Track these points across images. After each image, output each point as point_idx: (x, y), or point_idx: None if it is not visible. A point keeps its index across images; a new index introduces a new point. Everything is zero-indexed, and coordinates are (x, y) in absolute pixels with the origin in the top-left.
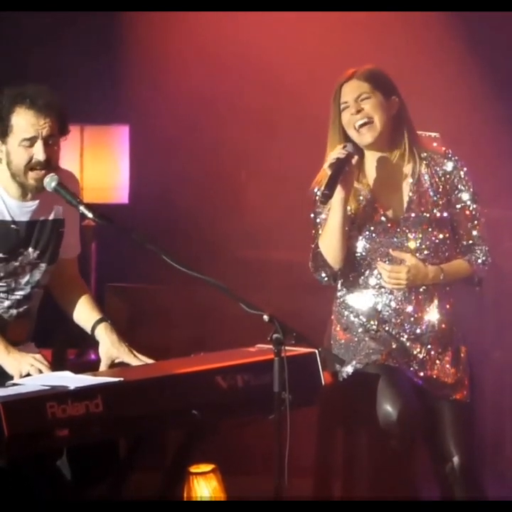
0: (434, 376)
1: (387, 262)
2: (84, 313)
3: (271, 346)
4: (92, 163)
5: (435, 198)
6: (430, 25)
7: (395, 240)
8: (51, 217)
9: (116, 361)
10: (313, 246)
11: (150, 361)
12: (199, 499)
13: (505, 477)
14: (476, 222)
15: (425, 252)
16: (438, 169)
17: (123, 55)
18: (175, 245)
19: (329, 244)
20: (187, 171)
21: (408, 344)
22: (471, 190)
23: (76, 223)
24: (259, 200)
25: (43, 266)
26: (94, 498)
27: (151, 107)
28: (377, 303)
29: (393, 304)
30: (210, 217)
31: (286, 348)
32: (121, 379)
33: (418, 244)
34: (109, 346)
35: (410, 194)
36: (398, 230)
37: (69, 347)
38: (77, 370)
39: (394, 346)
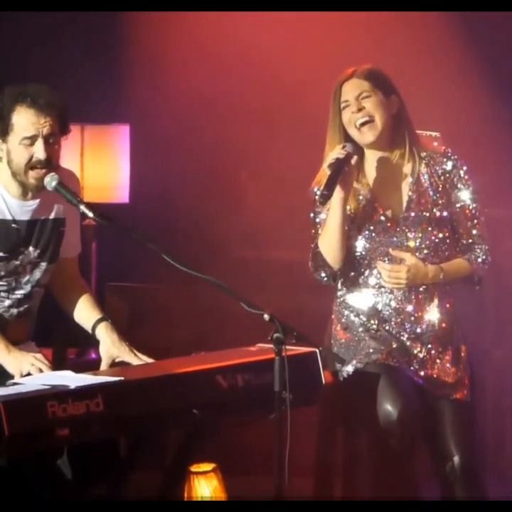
0: (435, 375)
1: (386, 262)
2: (85, 313)
3: (271, 346)
4: (93, 163)
5: (435, 198)
6: (430, 25)
7: (395, 239)
8: (52, 216)
9: (117, 360)
10: (312, 246)
11: (150, 360)
12: (200, 499)
13: (505, 477)
14: (475, 221)
15: (425, 251)
16: (438, 168)
17: (123, 54)
18: (175, 245)
19: (329, 244)
20: (187, 171)
21: (408, 343)
22: (471, 189)
23: (77, 222)
24: (259, 200)
25: (43, 265)
26: (94, 498)
27: (151, 107)
28: (377, 302)
29: (393, 304)
30: (210, 217)
31: (287, 347)
32: (122, 378)
33: (418, 244)
34: (110, 345)
35: (410, 193)
36: (398, 229)
37: (69, 346)
38: (78, 369)
39: (394, 346)
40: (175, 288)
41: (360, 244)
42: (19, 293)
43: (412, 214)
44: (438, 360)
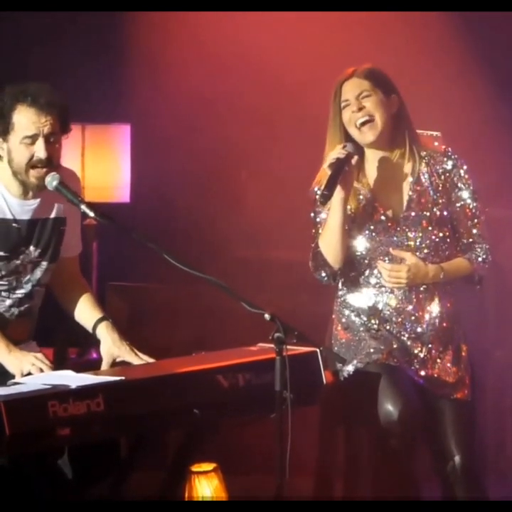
0: (435, 375)
1: (387, 261)
2: (86, 312)
3: (272, 345)
4: (94, 162)
5: (435, 197)
6: (430, 25)
7: (395, 238)
8: (52, 215)
9: (118, 360)
10: (313, 245)
11: (151, 360)
12: (200, 498)
13: (506, 477)
14: (476, 220)
15: (425, 250)
16: (438, 168)
17: (123, 54)
18: (175, 244)
19: (329, 244)
20: (187, 171)
21: (409, 343)
22: (471, 188)
23: (77, 222)
24: (259, 200)
25: (44, 264)
26: (95, 498)
27: (151, 107)
28: (377, 302)
29: (394, 303)
30: (210, 217)
31: (288, 347)
32: (123, 378)
33: (418, 243)
34: (111, 345)
35: (410, 193)
36: (398, 228)
37: (70, 346)
38: (79, 369)
39: (395, 345)
40: (175, 288)
41: (361, 244)
42: (20, 292)
43: (413, 213)
44: (438, 360)
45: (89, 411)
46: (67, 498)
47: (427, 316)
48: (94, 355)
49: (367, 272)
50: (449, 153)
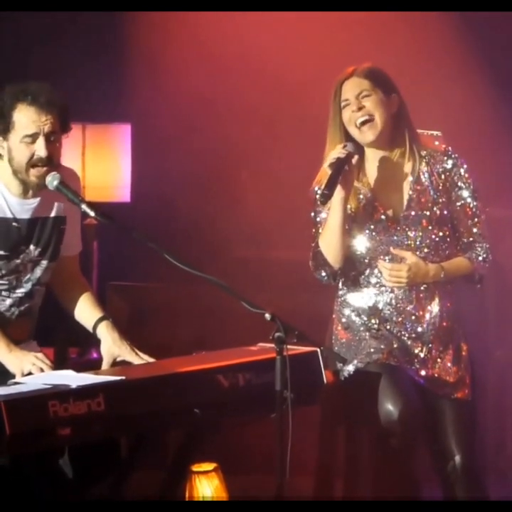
0: (436, 375)
1: (387, 261)
2: (86, 311)
3: (272, 345)
4: (94, 162)
5: (435, 196)
6: (430, 25)
7: (395, 238)
8: (52, 214)
9: (118, 360)
10: (313, 245)
11: (151, 360)
12: (201, 498)
13: (506, 476)
14: (476, 219)
15: (425, 250)
16: (438, 167)
17: (124, 54)
18: (175, 244)
19: (329, 243)
20: (188, 170)
21: (409, 343)
22: (472, 187)
23: (77, 221)
24: (259, 200)
25: (44, 263)
26: (95, 497)
27: (152, 106)
28: (378, 301)
29: (394, 303)
30: (210, 217)
31: (288, 346)
32: (123, 378)
33: (418, 243)
34: (111, 344)
35: (410, 192)
36: (398, 228)
37: (71, 346)
38: (79, 368)
39: (395, 345)
40: (176, 287)
41: (361, 244)
42: (20, 292)
43: (413, 213)
44: (439, 360)
45: (89, 411)
46: (68, 498)
47: (427, 316)
48: (95, 355)
49: (367, 272)
50: (449, 153)
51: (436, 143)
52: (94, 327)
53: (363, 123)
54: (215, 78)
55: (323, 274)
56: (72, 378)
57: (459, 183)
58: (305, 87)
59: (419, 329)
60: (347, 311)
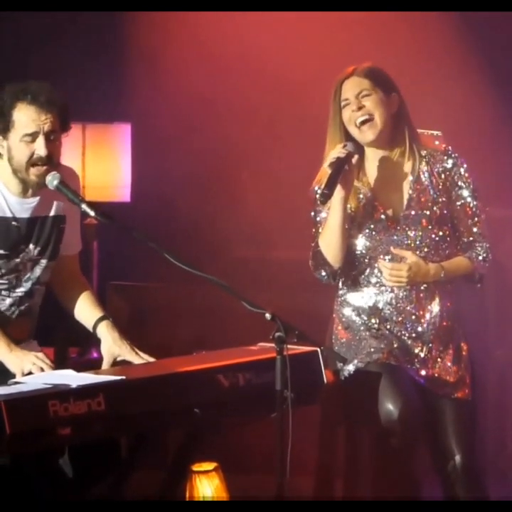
0: (436, 374)
1: (387, 260)
2: (86, 311)
3: (273, 345)
4: (94, 162)
5: (435, 196)
6: (430, 24)
7: (395, 237)
8: (52, 213)
9: (118, 359)
10: (313, 244)
11: (152, 359)
12: (201, 498)
13: (507, 476)
14: (476, 219)
15: (425, 249)
16: (438, 166)
17: (124, 54)
18: (176, 244)
19: (329, 243)
20: (188, 170)
21: (409, 342)
22: (472, 187)
23: (77, 220)
24: (259, 200)
25: (43, 262)
26: (95, 497)
27: (152, 106)
28: (378, 301)
29: (394, 302)
30: (211, 217)
31: (288, 346)
32: (123, 377)
33: (418, 242)
34: (111, 344)
35: (410, 192)
36: (398, 227)
37: (71, 345)
38: (79, 368)
39: (395, 345)
40: (176, 287)
41: (361, 243)
42: (20, 291)
43: (413, 212)
44: (439, 359)
45: (89, 410)
46: (68, 497)
47: (427, 315)
48: (95, 355)
49: (367, 271)
50: (450, 152)
51: (437, 142)
52: (94, 326)
53: (363, 122)
54: (215, 78)
55: (323, 273)
56: (72, 378)
57: (459, 183)
58: (305, 87)
59: (420, 329)
60: (347, 311)
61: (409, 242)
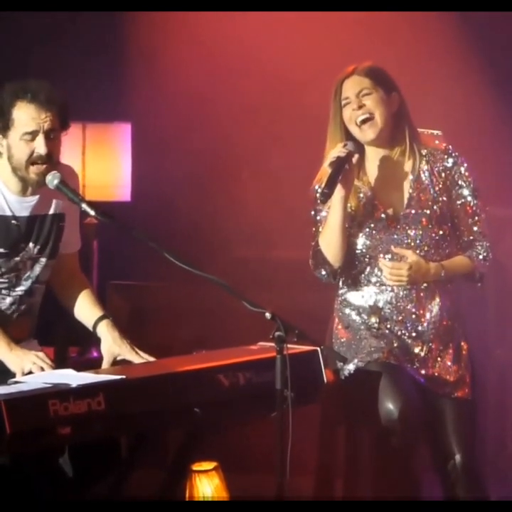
0: (436, 374)
1: (387, 259)
2: (85, 310)
3: (273, 344)
4: (94, 161)
5: (435, 195)
6: (431, 24)
7: (395, 236)
8: (51, 211)
9: (118, 359)
10: (313, 244)
11: (152, 359)
12: (201, 497)
13: (507, 476)
14: (476, 218)
15: (425, 248)
16: (438, 165)
17: (124, 53)
18: (176, 243)
19: (329, 242)
20: (188, 170)
21: (409, 342)
22: (472, 186)
23: (76, 218)
24: (259, 200)
25: (43, 260)
26: (95, 496)
27: (152, 106)
28: (378, 300)
29: (394, 301)
30: (211, 217)
31: (288, 345)
32: (123, 377)
33: (418, 241)
34: (111, 344)
35: (410, 191)
36: (398, 226)
37: (71, 345)
38: (79, 367)
39: (395, 344)
40: (176, 286)
41: (361, 242)
42: (20, 290)
43: (413, 211)
44: (439, 359)
45: (89, 410)
46: (68, 497)
47: (427, 315)
48: (95, 354)
49: (367, 270)
50: (450, 151)
51: (437, 142)
52: (94, 326)
53: (364, 121)
54: (215, 78)
55: (323, 272)
56: (72, 377)
57: (460, 182)
58: (305, 86)
59: (420, 328)
60: (347, 310)
61: (409, 241)
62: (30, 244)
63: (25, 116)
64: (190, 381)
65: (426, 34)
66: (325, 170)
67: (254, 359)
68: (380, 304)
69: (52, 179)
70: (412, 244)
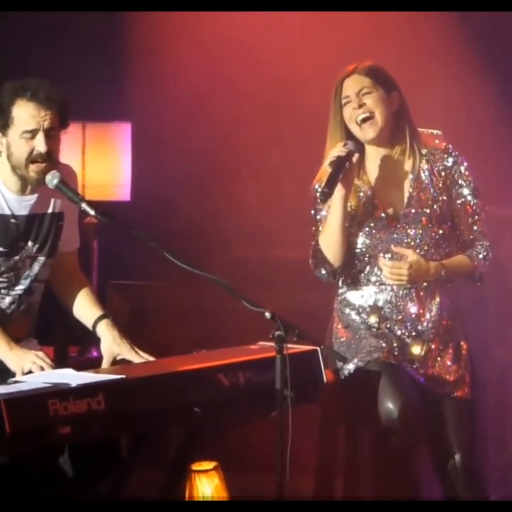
0: (436, 373)
1: (387, 259)
2: (85, 309)
3: (272, 344)
4: (94, 161)
5: (435, 194)
6: (431, 24)
7: (395, 236)
8: (50, 210)
9: (118, 358)
10: (313, 243)
11: (152, 358)
12: (201, 497)
13: (506, 476)
14: (476, 217)
15: (425, 247)
16: (438, 165)
17: (124, 53)
18: (176, 243)
19: (329, 242)
20: (188, 170)
21: (409, 341)
22: (472, 185)
23: (75, 217)
24: (259, 200)
25: (41, 259)
26: (95, 496)
27: (152, 105)
28: (378, 300)
29: (394, 301)
30: (211, 216)
31: (288, 345)
32: (123, 376)
33: (418, 241)
34: (111, 343)
35: (410, 190)
36: (398, 226)
37: (71, 344)
38: (79, 367)
39: (395, 344)
40: (176, 286)
41: (361, 241)
42: (19, 289)
43: (413, 211)
44: (439, 358)
45: (89, 409)
46: (68, 496)
47: (427, 314)
48: (95, 354)
49: (367, 270)
50: (450, 151)
51: (436, 141)
52: (94, 325)
53: (364, 120)
54: (215, 78)
55: (323, 272)
56: (72, 377)
57: (460, 181)
58: (305, 86)
59: (420, 327)
60: (347, 310)
61: (409, 240)
62: (29, 243)
63: (25, 114)
64: (190, 381)
65: (426, 34)
66: (325, 169)
67: (254, 359)
68: (380, 304)
69: (52, 179)
70: (412, 243)
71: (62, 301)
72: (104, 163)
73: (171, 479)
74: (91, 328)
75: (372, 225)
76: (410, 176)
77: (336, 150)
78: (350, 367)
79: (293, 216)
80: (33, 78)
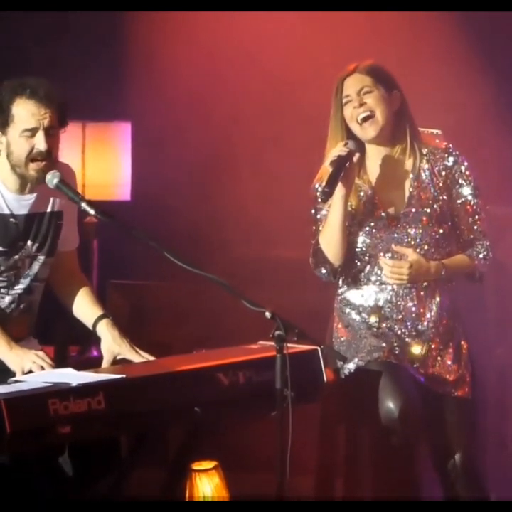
0: (436, 373)
1: (388, 258)
2: (85, 308)
3: (273, 343)
4: (94, 160)
5: (435, 194)
6: (432, 23)
7: (396, 235)
8: (49, 209)
9: (118, 358)
10: (313, 242)
11: (152, 358)
12: (201, 496)
13: (507, 476)
14: (477, 217)
15: (425, 247)
16: (439, 164)
17: (124, 53)
18: (176, 242)
19: (330, 241)
20: (188, 169)
21: (409, 341)
22: (472, 184)
23: (74, 216)
24: (259, 200)
25: (41, 258)
26: (95, 495)
27: (152, 105)
28: (378, 299)
29: (394, 300)
30: (211, 216)
31: (288, 345)
32: (123, 376)
33: (418, 240)
34: (111, 343)
35: (411, 190)
36: (398, 225)
37: (71, 344)
38: (79, 366)
39: (395, 343)
40: (176, 286)
41: (361, 241)
42: (19, 288)
43: (413, 210)
44: (439, 358)
45: (89, 409)
46: (68, 496)
47: (427, 314)
48: (95, 353)
49: (367, 269)
50: (450, 150)
51: (437, 141)
52: (94, 325)
53: (365, 119)
54: (214, 78)
55: (324, 271)
56: (72, 376)
57: (460, 181)
58: (306, 86)
59: (420, 327)
60: (347, 309)
61: (409, 239)
62: (29, 243)
63: (25, 112)
64: (190, 380)
65: (426, 34)
66: (326, 169)
67: (254, 358)
68: (380, 303)
69: (52, 178)
70: (412, 242)
71: (62, 300)
72: (104, 163)
73: (171, 479)
74: (91, 328)
75: (372, 224)
76: (411, 176)
77: (336, 149)
78: (351, 366)
79: (293, 216)
80: (32, 77)
